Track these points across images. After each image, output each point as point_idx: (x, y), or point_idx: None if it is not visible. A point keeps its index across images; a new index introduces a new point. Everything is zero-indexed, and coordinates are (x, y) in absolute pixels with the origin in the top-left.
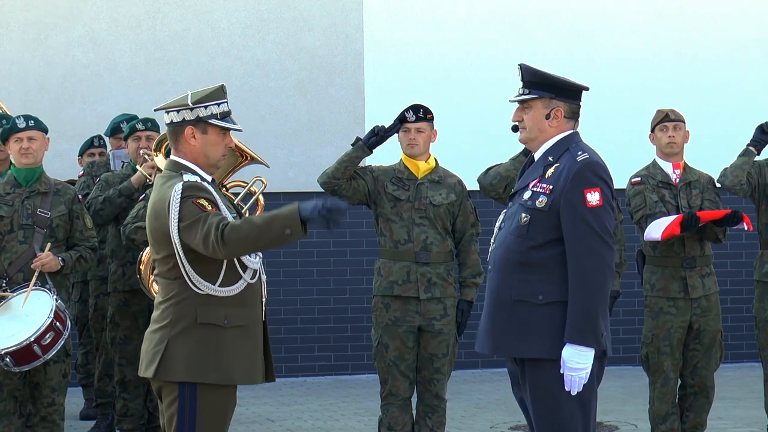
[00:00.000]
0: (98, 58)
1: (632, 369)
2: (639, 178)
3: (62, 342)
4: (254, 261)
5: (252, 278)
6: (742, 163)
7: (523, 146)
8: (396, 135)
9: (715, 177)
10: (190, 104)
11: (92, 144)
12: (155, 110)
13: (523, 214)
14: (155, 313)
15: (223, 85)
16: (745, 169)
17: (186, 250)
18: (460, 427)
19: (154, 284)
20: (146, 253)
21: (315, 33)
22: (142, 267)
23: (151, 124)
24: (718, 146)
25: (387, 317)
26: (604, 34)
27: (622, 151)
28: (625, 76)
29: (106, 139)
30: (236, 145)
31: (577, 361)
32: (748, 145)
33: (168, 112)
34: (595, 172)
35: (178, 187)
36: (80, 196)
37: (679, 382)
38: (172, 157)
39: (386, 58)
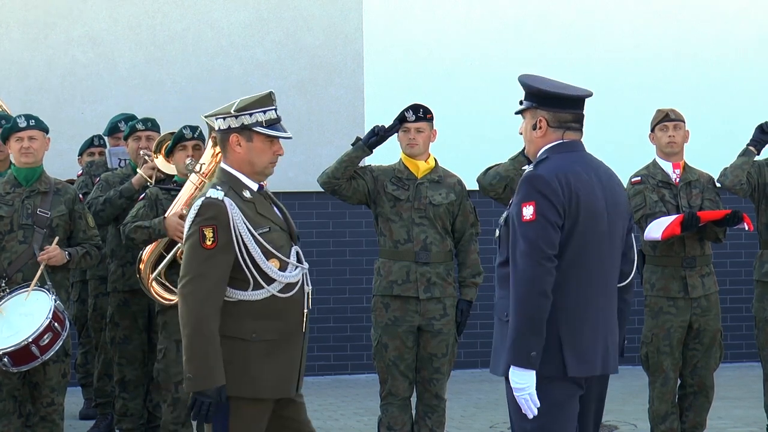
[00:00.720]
0: (98, 58)
1: (632, 369)
2: (639, 178)
3: (61, 342)
4: (284, 274)
5: (282, 291)
6: (742, 162)
7: (522, 145)
8: (395, 135)
9: (715, 177)
10: (234, 112)
11: (92, 143)
12: (205, 117)
13: (497, 230)
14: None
15: (271, 92)
16: (745, 169)
17: None
18: (459, 427)
19: (154, 284)
20: (146, 253)
21: (314, 33)
22: (141, 267)
23: (151, 124)
24: (718, 146)
25: (386, 317)
26: (604, 34)
27: (622, 150)
28: (624, 76)
29: (106, 138)
30: None
31: (516, 381)
32: (747, 144)
33: (216, 119)
34: (533, 186)
35: (198, 203)
36: (80, 196)
37: (679, 381)
38: (221, 164)
39: (386, 58)
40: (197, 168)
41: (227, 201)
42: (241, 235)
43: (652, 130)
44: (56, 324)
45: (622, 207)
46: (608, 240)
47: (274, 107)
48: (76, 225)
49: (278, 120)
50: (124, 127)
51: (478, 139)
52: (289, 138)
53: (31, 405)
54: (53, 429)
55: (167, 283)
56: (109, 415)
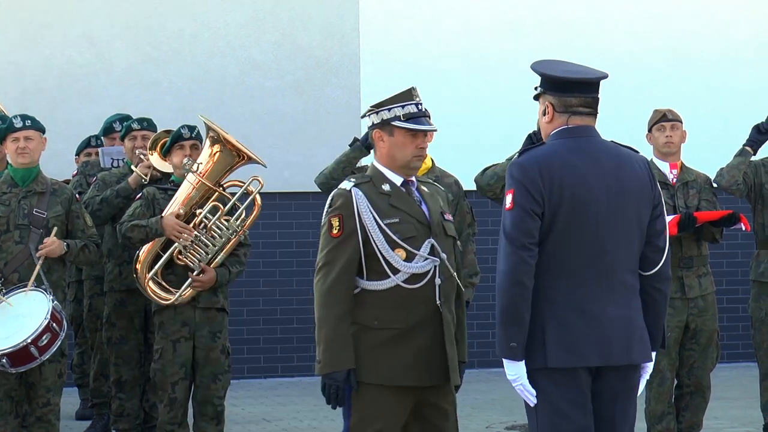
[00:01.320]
0: (94, 58)
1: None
2: None
3: (59, 343)
4: (409, 265)
5: (408, 282)
6: (738, 163)
7: (520, 146)
8: None
9: (712, 177)
10: (373, 108)
11: (89, 144)
12: (362, 117)
13: None
14: None
15: (412, 87)
16: (742, 169)
17: None
18: None
19: (150, 284)
20: (143, 253)
21: (311, 33)
22: (138, 266)
23: (147, 124)
24: (715, 146)
25: None
26: (601, 34)
27: None
28: (621, 76)
29: (103, 139)
30: (233, 145)
31: (508, 372)
32: (744, 145)
33: (368, 117)
34: (512, 174)
35: (334, 192)
36: (77, 196)
37: (676, 381)
38: (373, 159)
39: (382, 58)
40: (194, 168)
41: (354, 191)
42: (366, 225)
43: (650, 131)
44: (54, 324)
45: (635, 194)
46: (608, 228)
47: (414, 102)
48: (74, 225)
49: (420, 114)
50: (120, 127)
51: (475, 139)
52: (434, 131)
53: (28, 405)
54: (49, 429)
55: (164, 283)
56: (105, 416)
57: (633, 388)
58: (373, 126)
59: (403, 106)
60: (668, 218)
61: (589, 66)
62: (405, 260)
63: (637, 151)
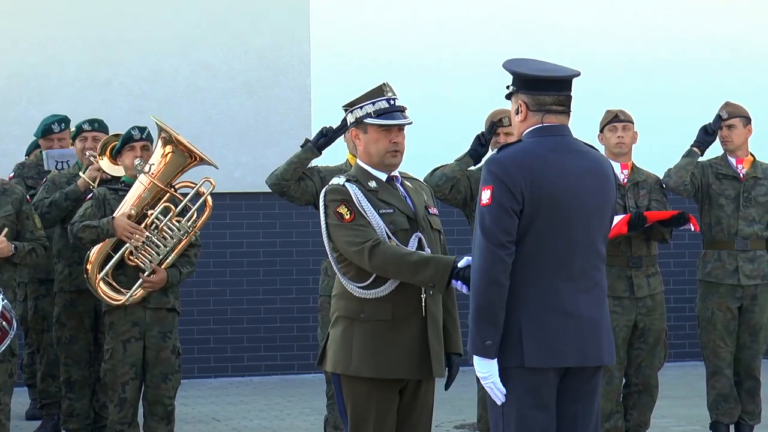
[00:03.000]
0: (45, 59)
1: None
2: None
3: (8, 342)
4: None
5: None
6: (686, 163)
7: (469, 147)
8: (342, 136)
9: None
10: (345, 107)
11: (38, 145)
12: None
13: None
14: None
15: (384, 83)
16: (689, 170)
17: (333, 249)
18: None
19: (101, 284)
20: (93, 253)
21: (261, 34)
22: (89, 267)
23: (98, 125)
24: (665, 147)
25: None
26: (553, 35)
27: None
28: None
29: (40, 141)
30: (185, 146)
31: (479, 370)
32: (692, 146)
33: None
34: (490, 170)
35: (324, 190)
36: (28, 197)
37: (624, 380)
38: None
39: (333, 59)
40: (146, 168)
41: (348, 185)
42: (366, 213)
43: (601, 131)
44: (4, 323)
45: (606, 193)
46: (582, 227)
47: (385, 98)
48: (24, 226)
49: (391, 109)
50: (58, 128)
51: (426, 139)
52: (406, 124)
53: None
54: (0, 429)
55: (114, 284)
56: (55, 416)
57: (596, 387)
58: (350, 125)
59: (373, 103)
60: (618, 218)
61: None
62: None
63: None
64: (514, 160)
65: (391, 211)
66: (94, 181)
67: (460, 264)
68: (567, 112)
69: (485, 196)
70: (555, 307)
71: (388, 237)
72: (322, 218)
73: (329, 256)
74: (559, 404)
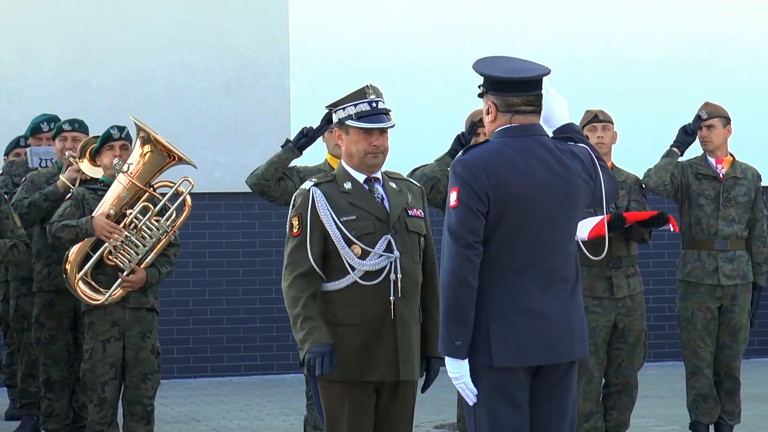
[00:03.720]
0: (23, 58)
1: None
2: None
3: None
4: (363, 262)
5: (364, 278)
6: (665, 164)
7: (449, 147)
8: (321, 136)
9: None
10: (328, 108)
11: (18, 144)
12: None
13: None
14: None
15: (366, 85)
16: (669, 170)
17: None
18: None
19: (80, 284)
20: (72, 253)
21: (241, 34)
22: (68, 267)
23: (78, 125)
24: (645, 147)
25: None
26: (534, 35)
27: None
28: (553, 77)
29: (30, 140)
30: (164, 146)
31: (450, 370)
32: (671, 146)
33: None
34: (456, 171)
35: (296, 192)
36: (6, 196)
37: (603, 380)
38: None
39: (312, 60)
40: (125, 168)
41: (313, 189)
42: (323, 222)
43: None
44: None
45: (576, 191)
46: (549, 226)
47: (367, 100)
48: (3, 225)
49: (372, 112)
50: (47, 127)
51: (405, 139)
52: (389, 127)
53: None
54: None
55: (93, 283)
56: (34, 416)
57: (570, 385)
58: (334, 126)
59: (355, 105)
60: (598, 218)
61: (531, 60)
62: (360, 257)
63: (580, 142)
64: (480, 161)
65: (354, 217)
66: (73, 183)
67: (306, 357)
68: (537, 111)
69: (452, 198)
70: (523, 306)
71: (349, 243)
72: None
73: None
74: (533, 403)
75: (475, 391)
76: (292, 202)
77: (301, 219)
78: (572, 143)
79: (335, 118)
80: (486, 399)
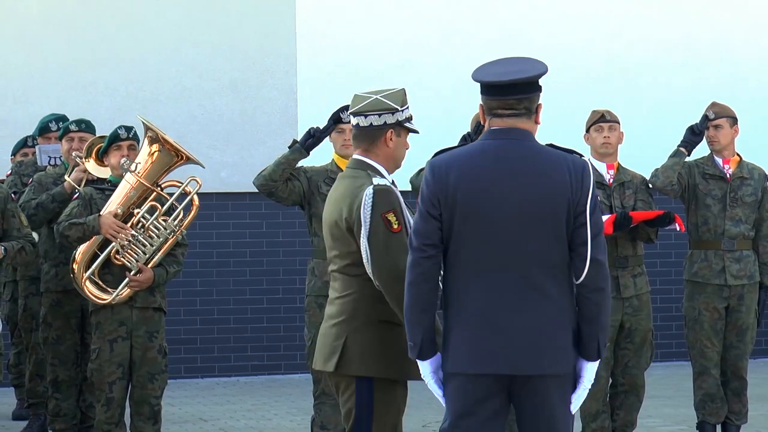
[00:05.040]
0: (30, 59)
1: None
2: None
3: None
4: None
5: None
6: (673, 164)
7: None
8: (328, 136)
9: (648, 177)
10: (399, 107)
11: (26, 144)
12: (351, 113)
13: None
14: (331, 309)
15: (403, 89)
16: (676, 170)
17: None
18: None
19: (87, 283)
20: (80, 253)
21: (247, 34)
22: (75, 266)
23: (85, 126)
24: (651, 147)
25: (321, 317)
26: (537, 36)
27: None
28: (557, 77)
29: (38, 139)
30: (171, 145)
31: (422, 370)
32: (678, 146)
33: (366, 116)
34: (424, 173)
35: (369, 191)
36: (13, 195)
37: (610, 380)
38: (360, 157)
39: (319, 60)
40: (132, 167)
41: (395, 189)
42: (408, 219)
43: (587, 131)
44: None
45: (549, 200)
46: (513, 232)
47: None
48: (10, 224)
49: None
50: (55, 126)
51: (411, 140)
52: (417, 132)
53: None
54: None
55: (101, 283)
56: (41, 416)
57: (548, 398)
58: (386, 126)
59: (408, 108)
60: (604, 218)
61: (534, 61)
62: None
63: (575, 153)
64: (441, 164)
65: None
66: (79, 184)
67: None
68: (518, 115)
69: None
70: (482, 313)
71: None
72: (366, 220)
73: (366, 259)
74: (517, 415)
75: (440, 393)
76: (372, 200)
77: (397, 214)
78: (572, 154)
79: (392, 119)
80: (450, 402)
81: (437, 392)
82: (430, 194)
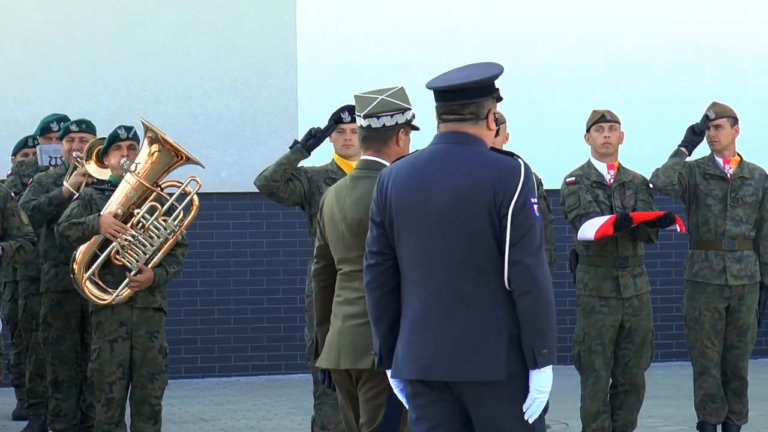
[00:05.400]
0: (31, 59)
1: (564, 368)
2: (573, 178)
3: None
4: None
5: None
6: (673, 164)
7: None
8: (328, 136)
9: (648, 177)
10: (408, 106)
11: (26, 144)
12: (363, 115)
13: None
14: (353, 308)
15: (403, 87)
16: (677, 170)
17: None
18: None
19: (87, 283)
20: (80, 253)
21: (248, 34)
22: (75, 266)
23: (85, 126)
24: (651, 147)
25: None
26: (536, 36)
27: (557, 151)
28: (557, 77)
29: (39, 139)
30: (171, 145)
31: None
32: (679, 145)
33: (379, 118)
34: None
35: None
36: (13, 194)
37: (610, 380)
38: (371, 157)
39: (319, 60)
40: (132, 168)
41: None
42: None
43: (588, 131)
44: None
45: (473, 204)
46: (438, 239)
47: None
48: (10, 223)
49: None
50: (57, 127)
51: (414, 140)
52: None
53: None
54: None
55: (101, 283)
56: (42, 416)
57: (489, 410)
58: (397, 126)
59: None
60: (605, 218)
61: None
62: None
63: (513, 156)
64: (386, 172)
65: None
66: (77, 188)
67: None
68: (464, 120)
69: None
70: (413, 319)
71: None
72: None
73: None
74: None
75: (405, 400)
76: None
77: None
78: (512, 156)
79: (402, 119)
80: (408, 409)
81: (402, 399)
82: (374, 202)
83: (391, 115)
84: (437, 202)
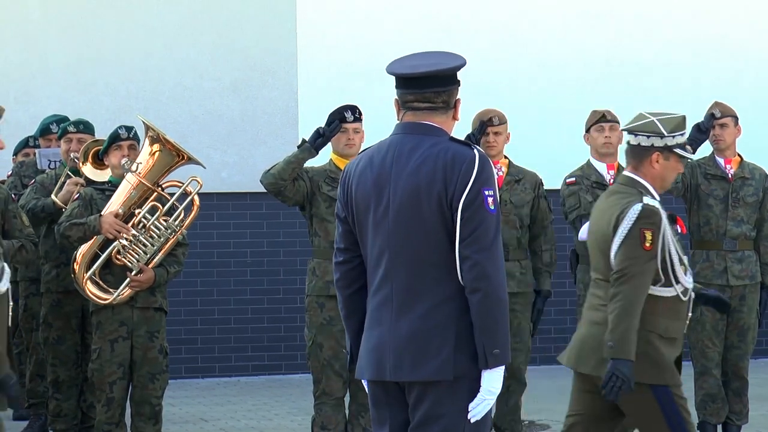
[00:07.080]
0: (31, 59)
1: (564, 368)
2: (573, 179)
3: None
4: (688, 280)
5: (683, 294)
6: None
7: None
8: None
9: None
10: (666, 133)
11: (27, 144)
12: (623, 129)
13: None
14: (599, 314)
15: (684, 116)
16: None
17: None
18: None
19: (88, 283)
20: (80, 253)
21: (248, 34)
22: (76, 266)
23: (83, 126)
24: None
25: (322, 317)
26: (536, 36)
27: (557, 151)
28: (554, 77)
29: (39, 140)
30: (172, 145)
31: None
32: None
33: (636, 135)
34: None
35: (637, 207)
36: (13, 196)
37: None
38: (630, 174)
39: (320, 59)
40: (133, 167)
41: (661, 210)
42: (669, 240)
43: (588, 131)
44: None
45: (427, 196)
46: (389, 234)
47: (686, 131)
48: (12, 224)
49: (686, 142)
50: (56, 128)
51: None
52: (691, 159)
53: None
54: None
55: (101, 283)
56: (42, 416)
57: (433, 410)
58: (653, 148)
59: (682, 134)
60: None
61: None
62: (684, 274)
63: (471, 146)
64: (349, 165)
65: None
66: (66, 203)
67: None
68: (436, 108)
69: None
70: (370, 317)
71: (680, 263)
72: (622, 232)
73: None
74: None
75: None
76: (638, 215)
77: (654, 234)
78: (469, 147)
79: (659, 143)
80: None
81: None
82: (338, 198)
83: (647, 136)
84: (392, 196)
